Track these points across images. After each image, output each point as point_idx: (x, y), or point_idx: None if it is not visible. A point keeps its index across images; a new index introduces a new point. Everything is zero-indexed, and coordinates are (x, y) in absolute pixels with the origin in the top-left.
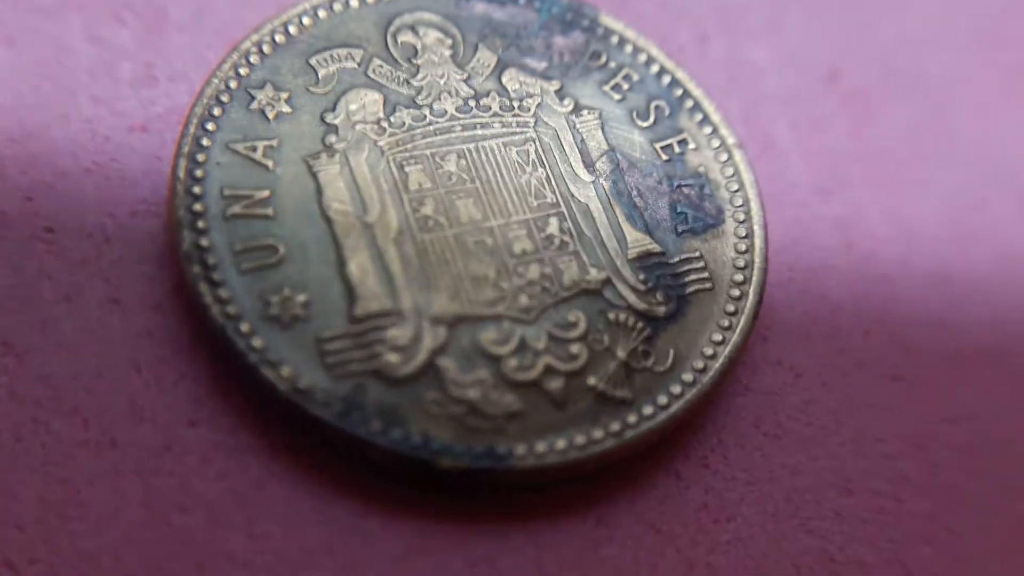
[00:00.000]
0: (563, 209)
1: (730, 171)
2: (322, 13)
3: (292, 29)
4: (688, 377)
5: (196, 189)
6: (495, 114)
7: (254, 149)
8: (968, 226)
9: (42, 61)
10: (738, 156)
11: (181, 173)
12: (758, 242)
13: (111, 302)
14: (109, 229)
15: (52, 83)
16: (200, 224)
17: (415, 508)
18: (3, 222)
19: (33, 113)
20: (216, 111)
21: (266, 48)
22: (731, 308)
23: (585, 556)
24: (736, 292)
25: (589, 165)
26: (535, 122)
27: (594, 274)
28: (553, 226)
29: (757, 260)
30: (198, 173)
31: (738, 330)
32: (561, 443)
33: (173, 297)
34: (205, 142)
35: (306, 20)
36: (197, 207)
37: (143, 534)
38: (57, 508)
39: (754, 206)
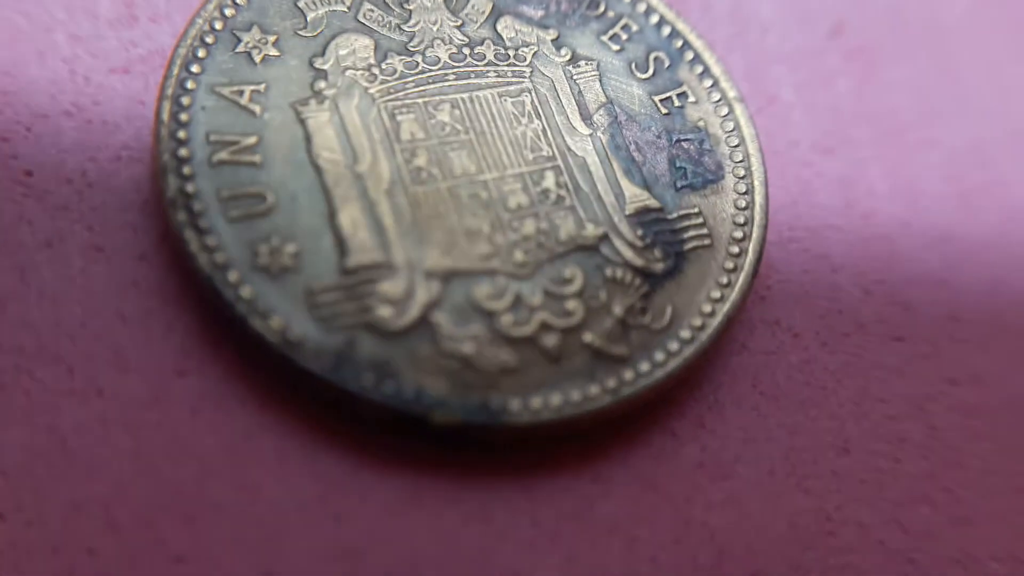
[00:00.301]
0: (559, 163)
1: (730, 126)
2: None
3: None
4: (686, 335)
5: (181, 134)
6: (490, 63)
7: (240, 93)
8: (971, 184)
9: None
10: (739, 110)
11: (165, 116)
12: (758, 199)
13: (95, 250)
14: (91, 174)
15: (26, 19)
16: (185, 170)
17: (408, 461)
18: None
19: (6, 50)
20: (201, 53)
21: None
22: (730, 265)
23: (581, 512)
24: (735, 249)
25: (586, 118)
26: (531, 72)
27: (591, 229)
28: (549, 180)
29: (757, 217)
30: (183, 117)
31: (737, 288)
32: (556, 399)
33: (159, 246)
34: (190, 85)
35: None
36: (182, 152)
37: (132, 485)
38: (43, 456)
39: (755, 162)
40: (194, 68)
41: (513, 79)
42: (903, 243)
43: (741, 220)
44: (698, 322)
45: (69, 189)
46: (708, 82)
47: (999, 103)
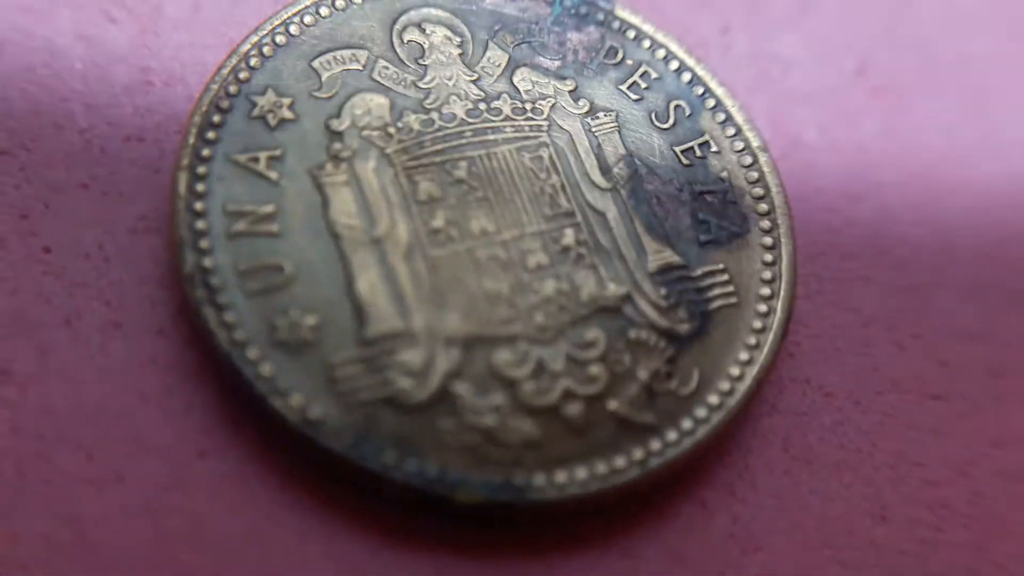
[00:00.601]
0: (579, 219)
1: (755, 176)
2: (324, 11)
3: (293, 29)
4: (714, 400)
5: (198, 205)
6: (507, 118)
7: (256, 160)
8: (1008, 228)
9: (34, 65)
10: (763, 160)
11: (182, 188)
12: (785, 253)
13: (113, 326)
14: (108, 248)
15: (44, 90)
16: (203, 244)
17: (430, 541)
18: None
19: (25, 122)
20: (216, 119)
21: (267, 50)
22: (758, 325)
23: None
24: (763, 307)
25: (606, 171)
26: (549, 126)
27: (613, 289)
28: (569, 237)
29: (785, 272)
30: (199, 188)
31: (766, 348)
32: (582, 473)
33: (177, 320)
34: (206, 153)
35: (308, 18)
36: (200, 225)
37: (153, 575)
38: (64, 549)
39: (781, 214)
40: (210, 135)
41: (531, 133)
42: (938, 294)
43: (768, 276)
44: (726, 386)
45: (87, 264)
46: (731, 130)
47: None
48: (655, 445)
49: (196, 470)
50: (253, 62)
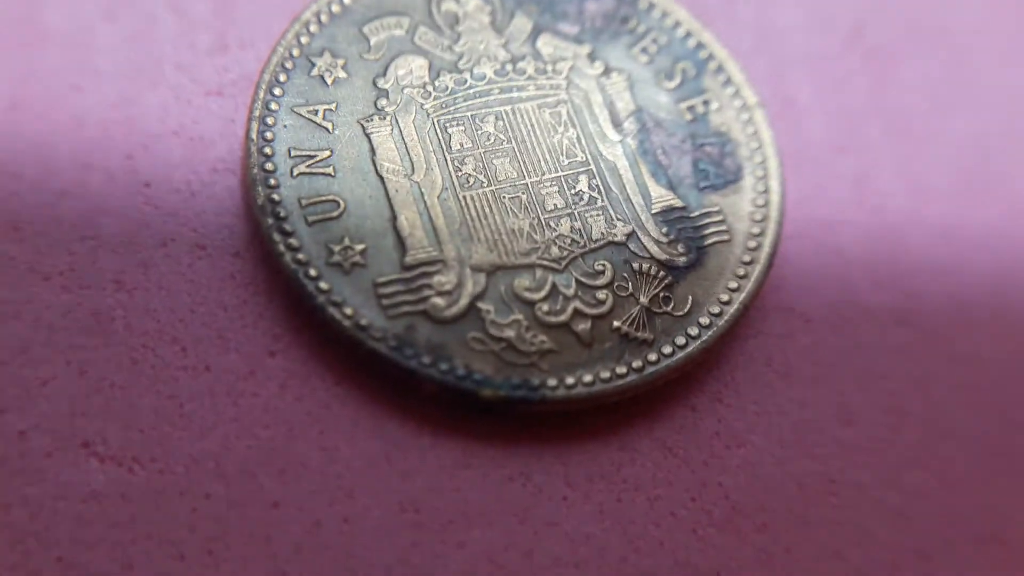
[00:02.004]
0: (592, 167)
1: (751, 130)
2: None
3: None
4: (705, 320)
5: (267, 149)
6: (530, 77)
7: (315, 112)
8: (979, 180)
9: (135, 32)
10: (759, 115)
11: (254, 135)
12: (775, 197)
13: (199, 248)
14: (194, 185)
15: (143, 53)
16: (272, 181)
17: (460, 430)
18: (110, 178)
19: (130, 81)
20: (282, 77)
21: (324, 18)
22: (747, 258)
23: (609, 474)
24: (752, 243)
25: (617, 125)
26: (567, 85)
27: (620, 227)
28: (583, 183)
29: (773, 214)
30: (268, 135)
31: (753, 278)
32: (588, 377)
33: (250, 245)
34: (273, 106)
35: None
36: (269, 166)
37: (236, 444)
38: (168, 419)
39: (772, 163)
40: (276, 91)
41: (551, 91)
42: (912, 235)
43: (759, 217)
44: (716, 309)
45: (177, 198)
46: (731, 90)
47: (1007, 101)
48: (652, 356)
49: (267, 365)
50: (312, 28)
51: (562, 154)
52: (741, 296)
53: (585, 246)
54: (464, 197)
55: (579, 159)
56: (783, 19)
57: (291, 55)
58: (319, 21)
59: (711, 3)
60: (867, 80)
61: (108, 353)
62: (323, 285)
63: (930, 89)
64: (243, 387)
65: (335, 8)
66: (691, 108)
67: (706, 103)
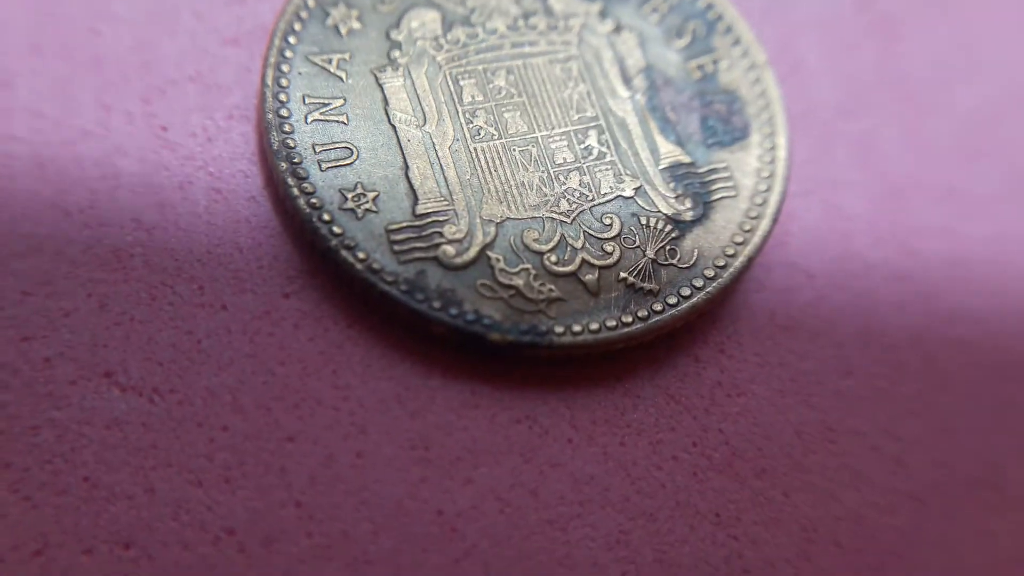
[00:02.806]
0: (602, 122)
1: (759, 89)
2: None
3: None
4: (710, 272)
5: (282, 96)
6: (541, 32)
7: (330, 61)
8: (980, 144)
9: None
10: (767, 75)
11: (269, 81)
12: (781, 154)
13: (215, 191)
14: (210, 130)
15: (160, 2)
16: (286, 127)
17: (469, 372)
18: (129, 120)
19: (147, 27)
20: (297, 26)
21: None
22: (753, 214)
23: (613, 418)
24: (758, 199)
25: (627, 81)
26: (578, 41)
27: (628, 182)
28: (592, 138)
29: (779, 171)
30: (283, 82)
31: (758, 233)
32: (594, 325)
33: (265, 189)
34: (288, 54)
35: None
36: (283, 112)
37: (252, 379)
38: (186, 353)
39: (779, 121)
40: (291, 40)
41: (562, 47)
42: (913, 196)
43: (765, 174)
44: (721, 262)
45: (194, 142)
46: (740, 50)
47: (1011, 68)
48: (657, 306)
49: (282, 306)
50: None
51: (572, 109)
52: (746, 250)
53: (593, 200)
54: (475, 149)
55: (589, 114)
56: None
57: (306, 5)
58: None
59: None
60: (875, 45)
61: (127, 288)
62: (336, 229)
63: (937, 55)
64: (258, 326)
65: None
66: (700, 66)
67: (715, 62)
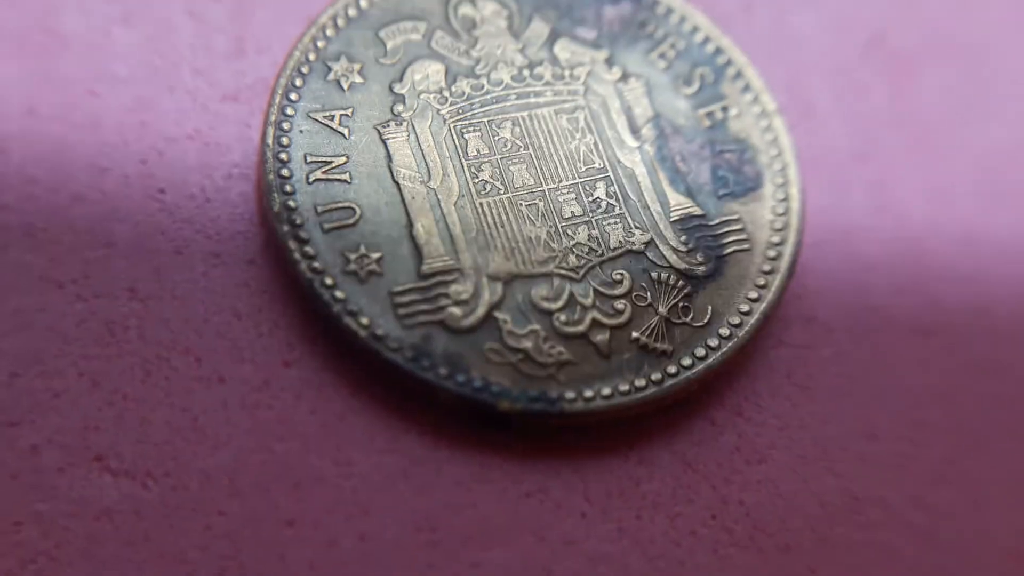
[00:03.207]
0: (610, 174)
1: (770, 137)
2: None
3: (363, 3)
4: (724, 331)
5: (283, 155)
6: (547, 83)
7: (332, 118)
8: (998, 187)
9: (152, 36)
10: (778, 122)
11: (270, 140)
12: (795, 205)
13: (213, 256)
14: (209, 190)
15: (160, 57)
16: (287, 187)
17: (477, 443)
18: (125, 183)
19: (146, 85)
20: (298, 82)
21: (340, 22)
22: (767, 268)
23: (627, 490)
24: (772, 253)
25: (635, 131)
26: (585, 90)
27: (638, 235)
28: (600, 190)
29: (794, 222)
30: (284, 140)
31: (773, 288)
32: (607, 390)
33: (265, 252)
34: (289, 111)
35: None
36: (284, 172)
37: (250, 458)
38: (181, 432)
39: (792, 170)
40: (292, 96)
41: (568, 97)
42: (933, 243)
43: (779, 225)
44: (736, 320)
45: (192, 204)
46: (750, 96)
47: None
48: (671, 368)
49: (282, 376)
50: (329, 32)
51: (579, 161)
52: (761, 306)
53: (603, 255)
54: (481, 204)
55: (596, 166)
56: (802, 25)
57: (307, 59)
58: (335, 25)
59: (729, 8)
60: (887, 87)
61: (121, 364)
62: (339, 294)
63: (950, 97)
64: (257, 399)
65: (352, 12)
66: (709, 114)
67: (725, 109)
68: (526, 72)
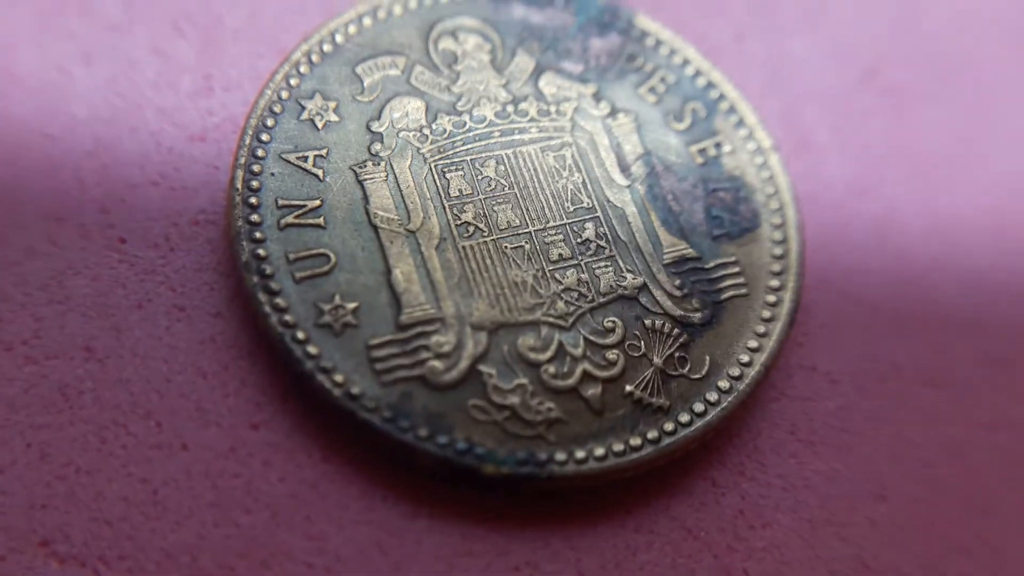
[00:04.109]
0: (599, 214)
1: (766, 174)
2: (367, 21)
3: (339, 38)
4: (724, 384)
5: (253, 200)
6: (532, 119)
7: (305, 159)
8: (1005, 221)
9: (114, 75)
10: (774, 159)
11: (239, 184)
12: (794, 246)
13: (177, 309)
14: (173, 239)
15: (122, 98)
16: (257, 235)
17: (460, 511)
18: (83, 234)
19: (107, 127)
20: (269, 122)
21: (315, 58)
22: (767, 314)
23: (624, 561)
24: (772, 298)
25: (625, 169)
26: (572, 126)
27: (630, 279)
28: (589, 231)
29: (793, 265)
30: (254, 184)
31: (774, 337)
32: (600, 450)
33: (232, 304)
34: (260, 153)
35: (352, 28)
36: (254, 218)
37: (214, 533)
38: (139, 507)
39: (790, 210)
40: (264, 137)
41: (555, 134)
42: (937, 283)
43: (777, 268)
44: (736, 372)
45: (155, 254)
46: (744, 131)
47: None
48: (668, 426)
49: (250, 440)
50: (302, 69)
51: (567, 200)
52: (762, 356)
53: (593, 300)
54: (463, 248)
55: (585, 205)
56: (795, 56)
57: (280, 98)
58: (310, 61)
59: (720, 40)
60: (884, 120)
61: (74, 432)
62: (311, 349)
63: (948, 128)
64: (222, 466)
65: (327, 47)
66: (702, 151)
67: (718, 146)
68: (510, 108)
